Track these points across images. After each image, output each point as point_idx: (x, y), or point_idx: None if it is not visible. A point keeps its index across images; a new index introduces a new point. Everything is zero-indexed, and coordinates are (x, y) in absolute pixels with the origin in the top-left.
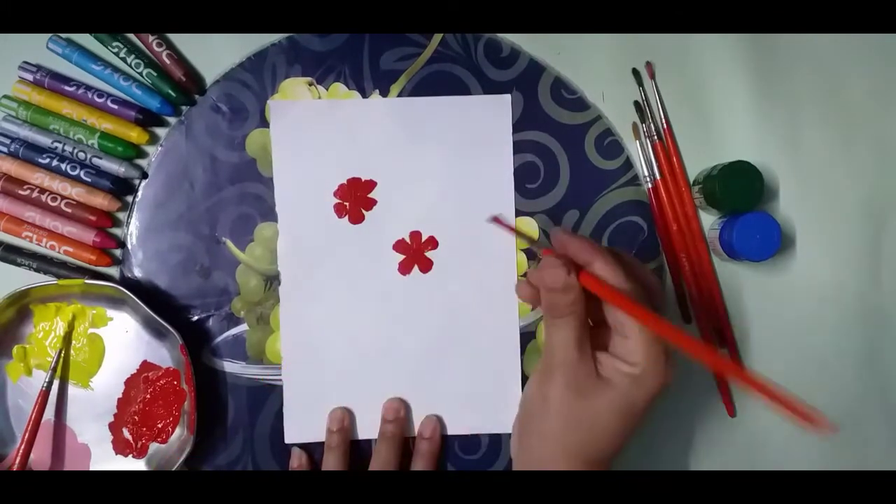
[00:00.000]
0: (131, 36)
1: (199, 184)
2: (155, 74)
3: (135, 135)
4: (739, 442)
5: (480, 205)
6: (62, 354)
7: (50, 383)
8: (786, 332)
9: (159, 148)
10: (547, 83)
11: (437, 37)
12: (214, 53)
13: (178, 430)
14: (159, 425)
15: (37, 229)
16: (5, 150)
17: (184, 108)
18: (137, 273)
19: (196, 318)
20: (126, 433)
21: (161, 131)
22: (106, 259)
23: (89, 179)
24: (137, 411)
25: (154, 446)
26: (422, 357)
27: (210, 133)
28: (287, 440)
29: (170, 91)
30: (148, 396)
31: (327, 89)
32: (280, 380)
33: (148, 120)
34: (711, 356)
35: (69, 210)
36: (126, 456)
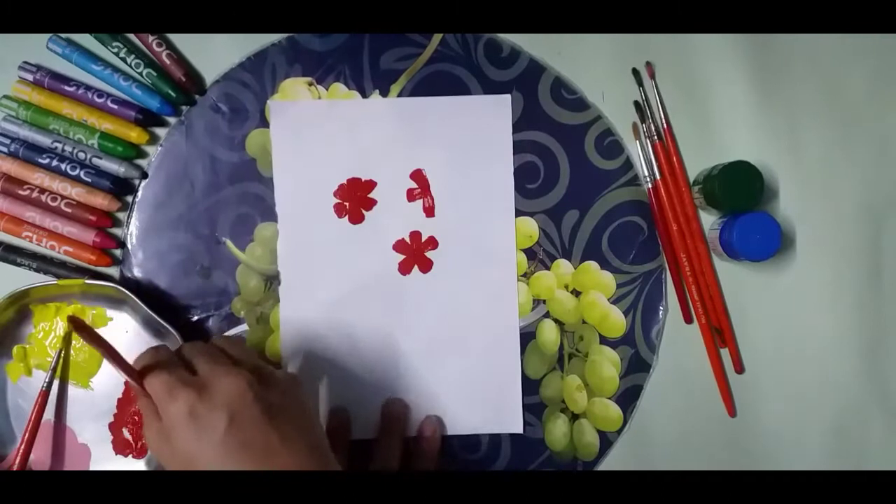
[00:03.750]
0: (131, 36)
1: (199, 184)
2: (155, 74)
3: (135, 135)
4: (739, 442)
5: (480, 205)
6: (62, 354)
7: (50, 383)
8: (786, 331)
9: (159, 148)
10: (547, 83)
11: (437, 37)
12: (214, 53)
13: None
14: None
15: (37, 229)
16: (5, 150)
17: (184, 108)
18: (137, 273)
19: (196, 318)
20: (126, 433)
21: (161, 131)
22: (106, 259)
23: (89, 179)
24: (137, 411)
25: None
26: (421, 357)
27: (210, 133)
28: None
29: (170, 91)
30: None
31: (327, 89)
32: None
33: (148, 120)
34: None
35: (69, 210)
36: (126, 456)
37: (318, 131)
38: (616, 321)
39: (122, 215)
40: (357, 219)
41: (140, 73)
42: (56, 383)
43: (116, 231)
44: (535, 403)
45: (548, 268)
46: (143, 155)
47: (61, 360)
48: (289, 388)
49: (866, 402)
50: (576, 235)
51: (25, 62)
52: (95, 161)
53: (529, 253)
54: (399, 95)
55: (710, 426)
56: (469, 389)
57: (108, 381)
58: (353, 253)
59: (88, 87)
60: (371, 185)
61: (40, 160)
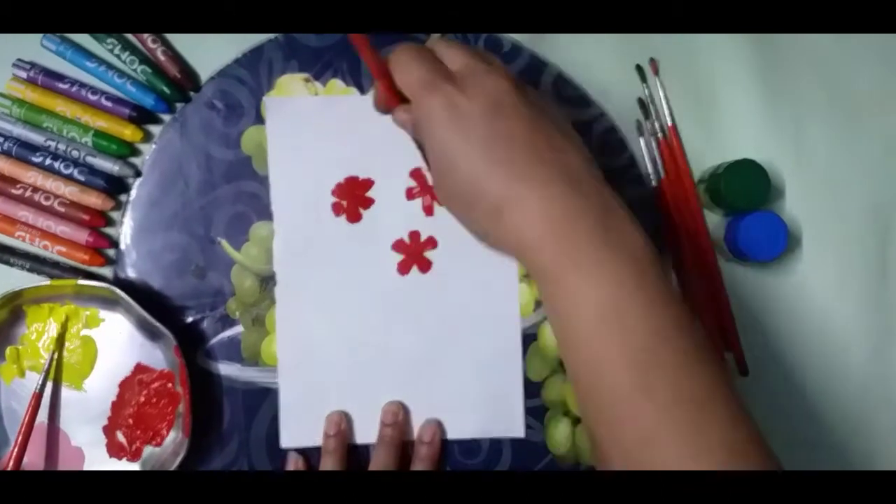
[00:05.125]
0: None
1: (194, 182)
2: (149, 71)
3: (129, 132)
4: None
5: None
6: (55, 356)
7: (43, 386)
8: (791, 332)
9: (153, 146)
10: (549, 80)
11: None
12: (210, 50)
13: (172, 433)
14: (154, 428)
15: (30, 229)
16: None
17: (178, 105)
18: (131, 273)
19: (191, 319)
20: (120, 436)
21: (155, 129)
22: (99, 259)
23: (83, 178)
24: (132, 414)
25: (148, 449)
26: (421, 359)
27: (205, 130)
28: (283, 444)
29: (164, 88)
30: (142, 399)
31: (324, 85)
32: (276, 382)
33: (142, 117)
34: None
35: (62, 209)
36: (120, 459)
37: (315, 128)
38: None
39: (115, 214)
40: (355, 218)
41: (134, 71)
42: (49, 385)
43: (110, 230)
44: (536, 406)
45: None
46: (137, 153)
47: (54, 362)
48: (551, 102)
49: (874, 403)
50: None
51: (19, 59)
52: (89, 159)
53: None
54: None
55: None
56: (469, 392)
57: (101, 384)
58: (350, 253)
59: (82, 85)
60: (369, 183)
61: (33, 158)
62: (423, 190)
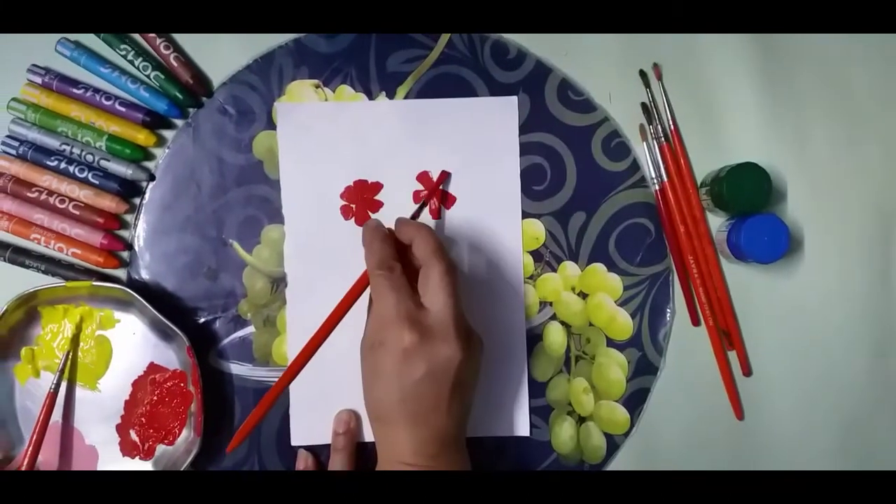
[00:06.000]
0: (139, 39)
1: (206, 186)
2: (162, 77)
3: (142, 137)
4: (747, 445)
5: (487, 207)
6: (70, 356)
7: (58, 385)
8: (794, 333)
9: (166, 150)
10: (553, 85)
11: (444, 38)
12: (221, 56)
13: (184, 432)
14: (166, 427)
15: (45, 231)
16: (14, 152)
17: (191, 110)
18: (145, 275)
19: (203, 320)
20: (133, 435)
21: (168, 133)
22: (113, 261)
23: (97, 182)
24: (144, 413)
25: (161, 448)
26: None
27: (217, 135)
28: (293, 442)
29: (177, 93)
30: (155, 398)
31: (334, 91)
32: None
33: (155, 122)
34: None
35: (77, 212)
36: (133, 458)
37: (324, 133)
38: (623, 323)
39: (129, 217)
40: (363, 220)
41: (148, 76)
42: (64, 385)
43: (124, 233)
44: (541, 406)
45: (554, 270)
46: (150, 157)
47: (69, 362)
48: (478, 365)
49: (875, 403)
50: (583, 237)
51: (34, 65)
52: (103, 163)
53: (536, 255)
54: (405, 97)
55: (717, 429)
56: (475, 392)
57: (115, 383)
58: (359, 255)
59: (96, 90)
60: (377, 186)
61: (49, 162)
62: (430, 193)
